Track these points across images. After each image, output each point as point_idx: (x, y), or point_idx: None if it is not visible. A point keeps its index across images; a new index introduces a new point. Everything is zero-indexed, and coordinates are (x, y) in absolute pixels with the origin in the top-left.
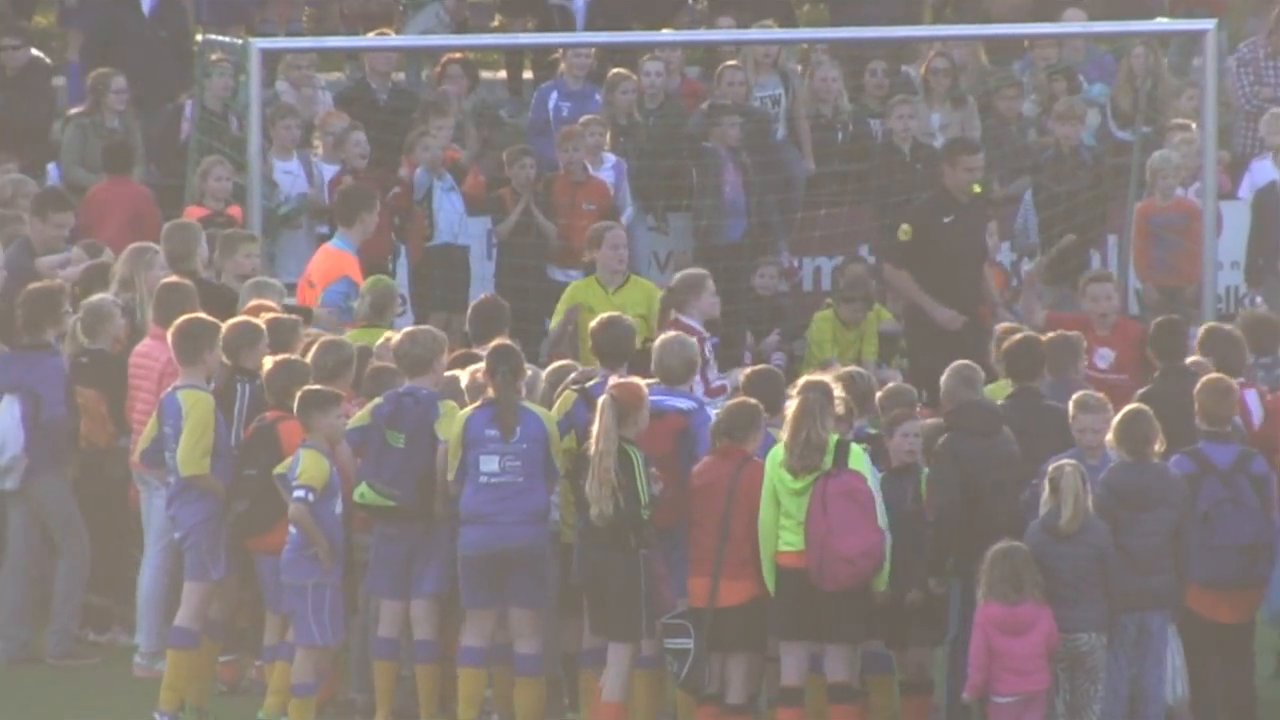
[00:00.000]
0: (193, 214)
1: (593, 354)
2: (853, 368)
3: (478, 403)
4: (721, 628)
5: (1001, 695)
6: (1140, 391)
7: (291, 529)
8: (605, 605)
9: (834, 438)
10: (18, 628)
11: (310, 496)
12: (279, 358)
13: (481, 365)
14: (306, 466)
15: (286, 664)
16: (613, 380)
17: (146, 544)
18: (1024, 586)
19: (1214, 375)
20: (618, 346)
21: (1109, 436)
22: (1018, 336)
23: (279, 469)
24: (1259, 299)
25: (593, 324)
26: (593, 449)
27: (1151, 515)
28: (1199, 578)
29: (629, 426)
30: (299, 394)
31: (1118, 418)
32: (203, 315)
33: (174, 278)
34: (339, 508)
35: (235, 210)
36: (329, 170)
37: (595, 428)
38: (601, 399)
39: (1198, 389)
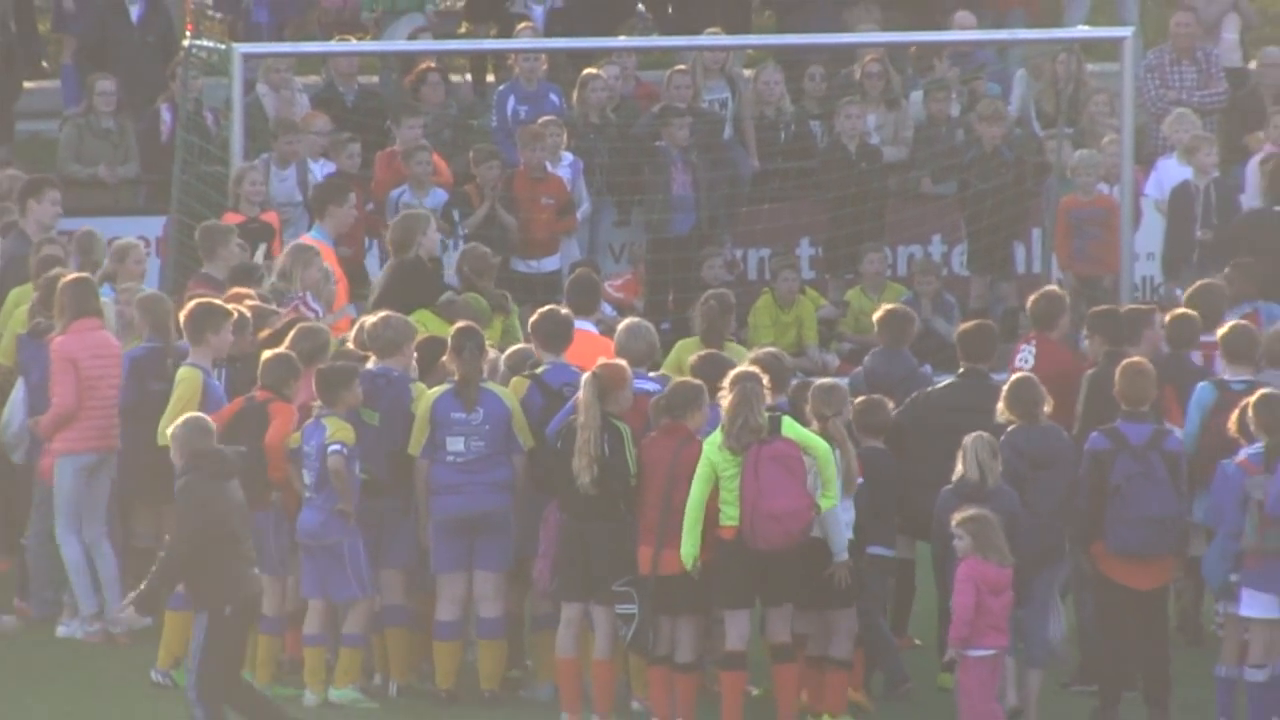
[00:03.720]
0: (230, 219)
1: (535, 342)
2: (771, 348)
3: (444, 385)
4: (664, 593)
5: (980, 649)
6: (1088, 374)
7: (308, 493)
8: (588, 571)
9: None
10: (48, 590)
11: (344, 450)
12: (275, 351)
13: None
14: (336, 429)
15: (271, 636)
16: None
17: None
18: (1006, 550)
19: (1133, 359)
20: (558, 333)
21: (1000, 404)
22: (971, 324)
23: (291, 443)
24: (1178, 291)
25: (533, 315)
26: (578, 424)
27: (1048, 473)
28: (1114, 548)
29: (614, 403)
30: (318, 372)
31: (1007, 385)
32: (210, 300)
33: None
34: (359, 469)
35: (271, 216)
36: (320, 170)
37: (580, 404)
38: (585, 377)
39: (1118, 371)
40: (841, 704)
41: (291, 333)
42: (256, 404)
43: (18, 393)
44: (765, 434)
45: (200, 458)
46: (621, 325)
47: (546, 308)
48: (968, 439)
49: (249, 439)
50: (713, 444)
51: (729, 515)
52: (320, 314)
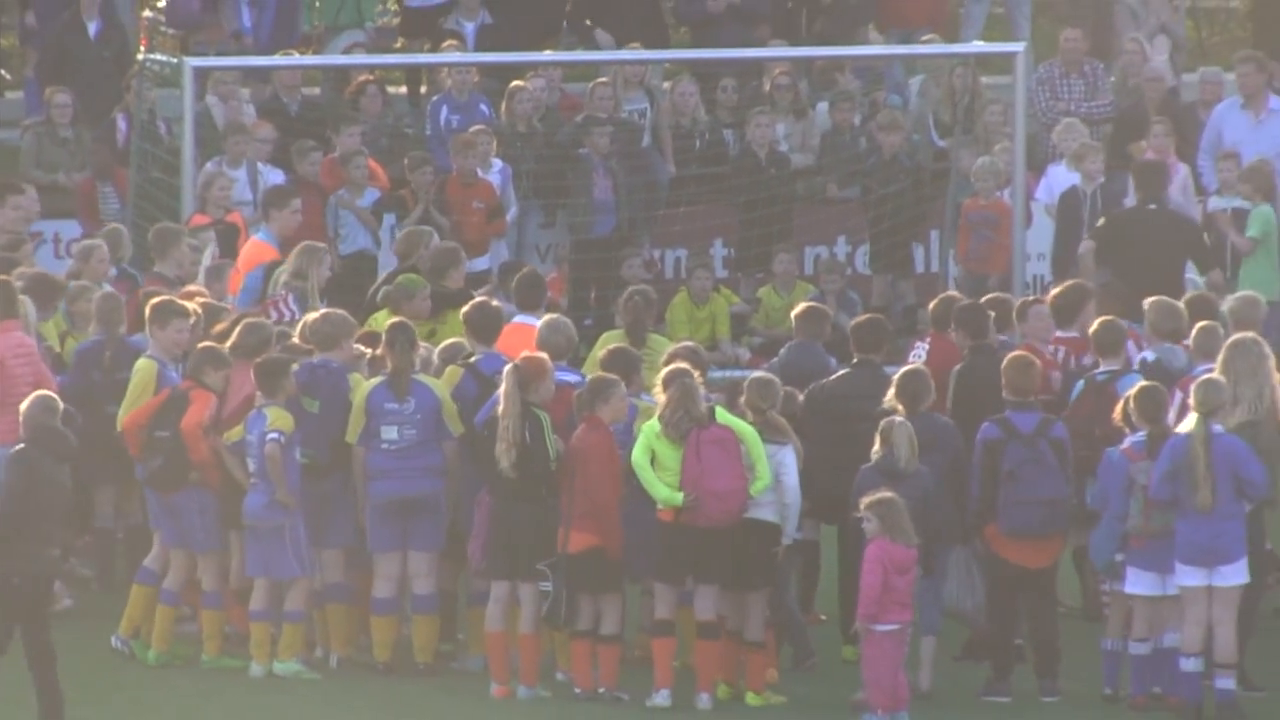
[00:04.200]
0: (198, 221)
1: (467, 333)
2: (689, 343)
3: (379, 377)
4: (573, 571)
5: (887, 624)
6: (955, 369)
7: (253, 479)
8: (514, 551)
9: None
10: None
11: (281, 439)
12: (203, 345)
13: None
14: (275, 417)
15: (213, 611)
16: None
17: None
18: (911, 532)
19: (1018, 353)
20: (488, 325)
21: (889, 394)
22: (863, 318)
23: (229, 438)
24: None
25: (466, 308)
26: (500, 412)
27: (927, 459)
28: (1007, 529)
29: (535, 393)
30: (256, 364)
31: (896, 376)
32: (169, 298)
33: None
34: (298, 455)
35: (235, 216)
36: (272, 174)
37: (502, 394)
38: (507, 368)
39: (1004, 365)
40: (762, 681)
41: (238, 328)
42: (180, 392)
43: None
44: (704, 421)
45: (41, 432)
46: (543, 321)
47: (477, 300)
48: (888, 422)
49: (172, 424)
50: (651, 430)
51: (668, 498)
52: (297, 314)
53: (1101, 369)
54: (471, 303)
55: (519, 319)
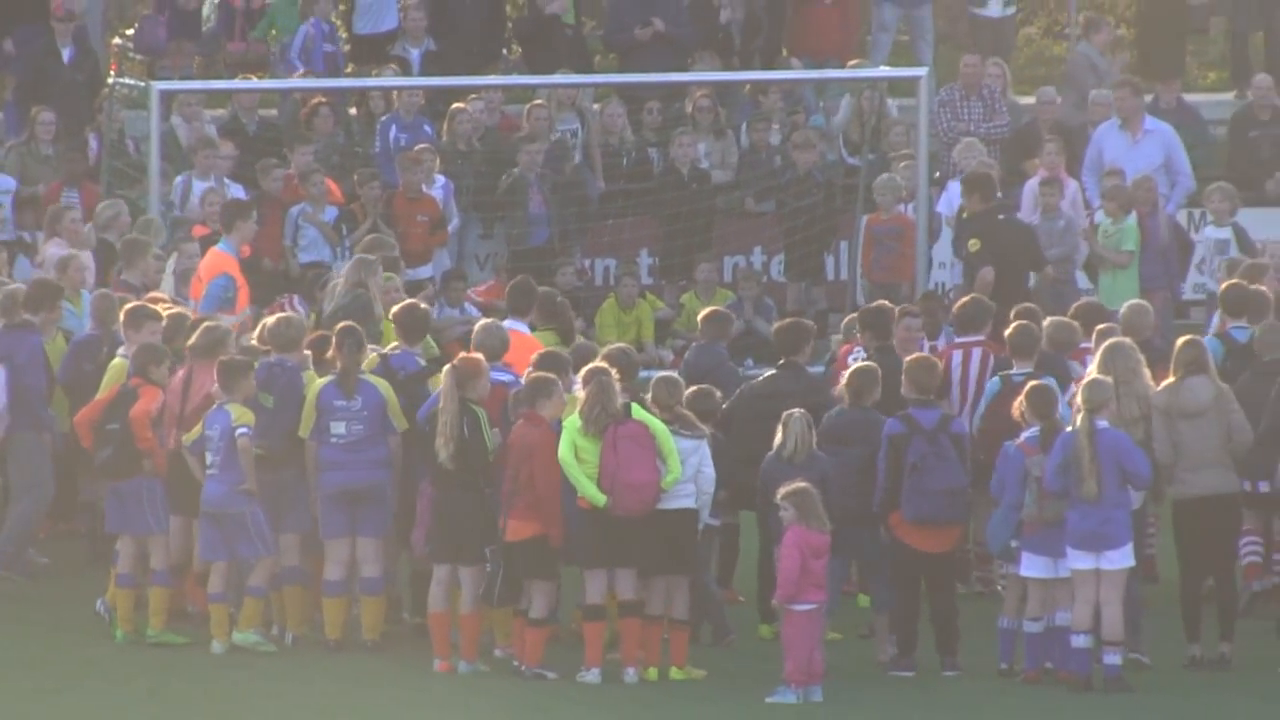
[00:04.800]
0: (198, 232)
1: (395, 330)
2: (620, 345)
3: (329, 376)
4: (512, 557)
5: (804, 604)
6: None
7: (213, 471)
8: (454, 537)
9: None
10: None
11: (250, 433)
12: (144, 343)
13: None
14: (240, 414)
15: (161, 588)
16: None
17: None
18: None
19: (919, 354)
20: (415, 325)
21: (840, 387)
22: (786, 322)
23: (187, 438)
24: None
25: (395, 307)
26: (440, 408)
27: (857, 448)
28: (911, 517)
29: (472, 390)
30: (220, 364)
31: (849, 372)
32: (143, 304)
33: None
34: (254, 446)
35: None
36: (233, 188)
37: (442, 392)
38: (446, 368)
39: (907, 364)
40: (684, 657)
41: (197, 330)
42: (130, 388)
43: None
44: (620, 418)
45: None
46: (478, 325)
47: (407, 302)
48: (788, 414)
49: (121, 417)
50: (573, 426)
51: (594, 497)
52: (305, 313)
53: (1016, 370)
54: (401, 304)
55: (509, 323)
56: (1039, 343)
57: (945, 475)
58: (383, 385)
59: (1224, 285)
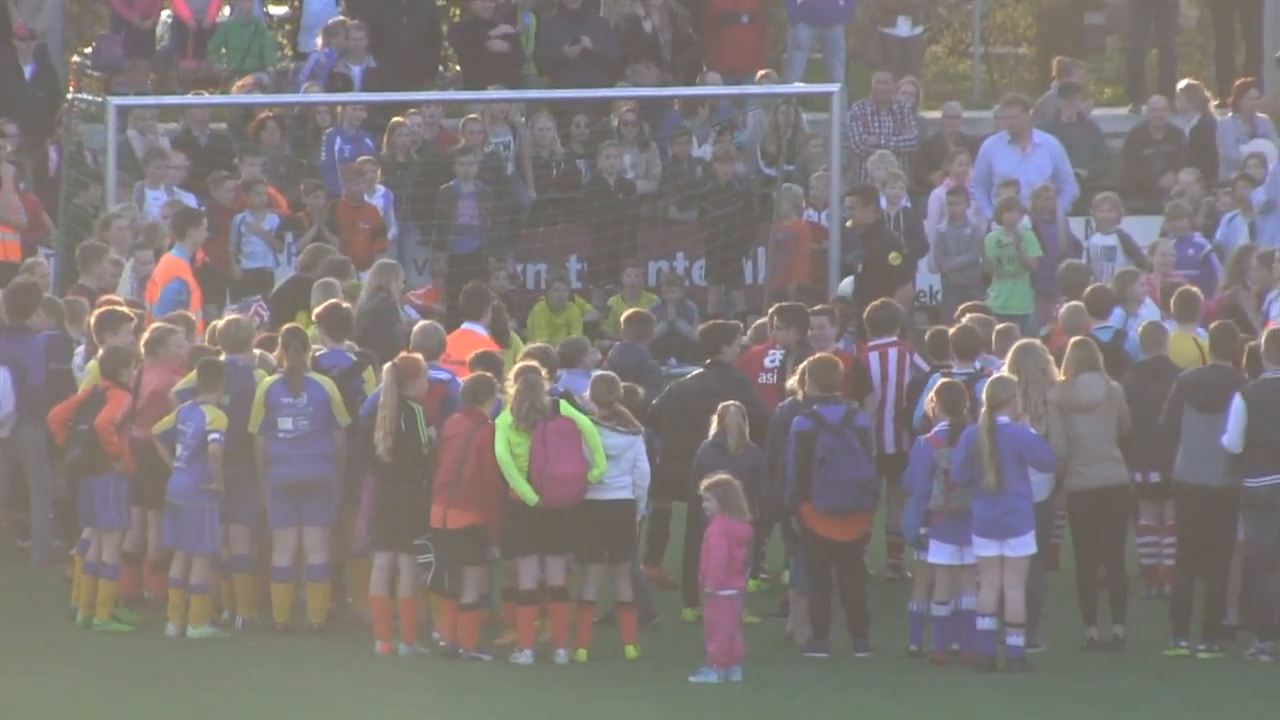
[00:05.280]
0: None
1: (319, 330)
2: (540, 344)
3: (276, 375)
4: (450, 545)
5: (728, 590)
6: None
7: (180, 464)
8: (393, 526)
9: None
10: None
11: (221, 439)
12: (111, 346)
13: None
14: (214, 418)
15: (109, 581)
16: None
17: None
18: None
19: (821, 354)
20: (339, 324)
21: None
22: (711, 323)
23: (158, 428)
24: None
25: (318, 308)
26: (379, 404)
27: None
28: (821, 507)
29: (410, 388)
30: (200, 364)
31: (804, 365)
32: (114, 308)
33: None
34: None
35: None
36: (185, 196)
37: (382, 389)
38: (386, 366)
39: (809, 363)
40: (634, 636)
41: (147, 330)
42: (99, 391)
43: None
44: (549, 414)
45: None
46: (416, 327)
47: (330, 303)
48: (723, 407)
49: (90, 420)
50: (504, 422)
51: (527, 495)
52: (266, 319)
53: (957, 369)
54: (325, 304)
55: (466, 326)
56: (981, 343)
57: (852, 467)
58: (327, 383)
59: (1086, 290)
